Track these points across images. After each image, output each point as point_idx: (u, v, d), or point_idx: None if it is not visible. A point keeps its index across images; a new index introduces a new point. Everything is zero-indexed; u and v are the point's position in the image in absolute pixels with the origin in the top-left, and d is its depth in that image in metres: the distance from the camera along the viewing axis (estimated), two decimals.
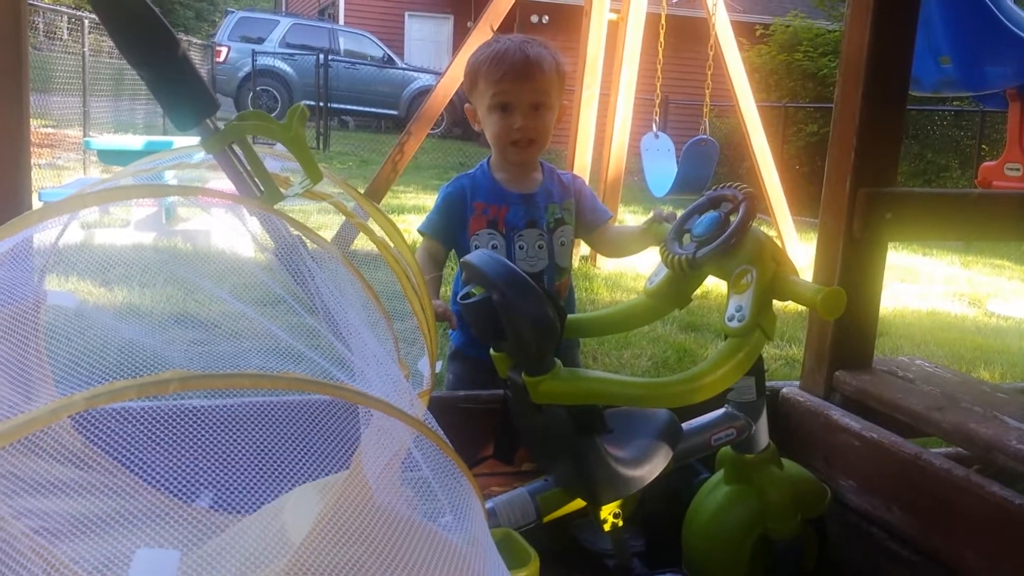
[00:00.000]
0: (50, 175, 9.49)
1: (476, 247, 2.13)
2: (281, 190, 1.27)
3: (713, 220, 1.70)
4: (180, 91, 1.23)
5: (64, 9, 12.65)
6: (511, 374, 1.59)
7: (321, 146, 15.24)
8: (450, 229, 2.18)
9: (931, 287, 7.85)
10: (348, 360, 1.06)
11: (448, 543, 1.03)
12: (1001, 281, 8.51)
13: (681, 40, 10.61)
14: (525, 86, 2.10)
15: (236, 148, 1.26)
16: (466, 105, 2.24)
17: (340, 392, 0.87)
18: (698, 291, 1.81)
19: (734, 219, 1.67)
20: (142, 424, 1.45)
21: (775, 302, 1.64)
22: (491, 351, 1.64)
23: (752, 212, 1.67)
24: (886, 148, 2.19)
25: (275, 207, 1.25)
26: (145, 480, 1.44)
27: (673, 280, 1.78)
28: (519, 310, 1.47)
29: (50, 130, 11.67)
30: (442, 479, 1.07)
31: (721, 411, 1.83)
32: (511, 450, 1.93)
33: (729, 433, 1.80)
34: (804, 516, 1.90)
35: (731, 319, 1.62)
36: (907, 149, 13.22)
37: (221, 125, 1.25)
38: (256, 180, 1.26)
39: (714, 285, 1.68)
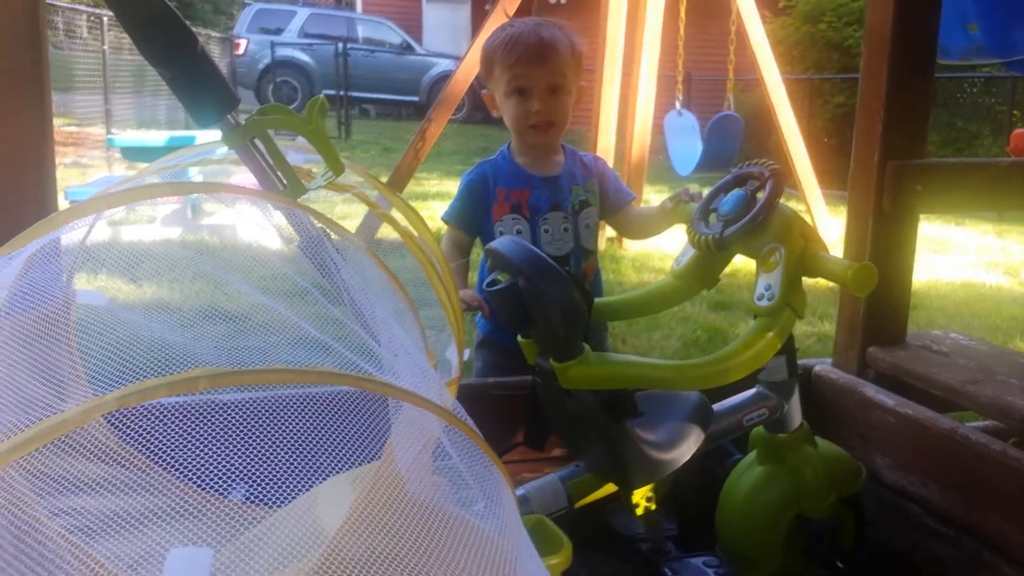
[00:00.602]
0: (75, 173, 9.58)
1: (501, 233, 2.12)
2: (304, 183, 1.27)
3: (739, 198, 1.67)
4: (200, 88, 1.23)
5: (83, 7, 12.72)
6: (539, 360, 1.58)
7: (343, 135, 15.26)
8: (474, 217, 2.17)
9: (964, 258, 7.76)
10: (376, 351, 1.06)
11: (480, 531, 1.03)
12: None
13: (703, 15, 10.49)
14: (541, 69, 2.08)
15: (258, 143, 1.26)
16: (483, 91, 2.23)
17: (368, 384, 0.86)
18: (727, 269, 1.79)
19: (761, 196, 1.65)
20: (174, 420, 1.46)
21: (806, 279, 1.62)
22: (519, 338, 1.63)
23: (779, 189, 1.64)
24: (914, 119, 2.15)
25: (299, 200, 1.25)
26: (178, 476, 1.45)
27: (701, 260, 1.76)
28: (546, 295, 1.46)
29: (73, 128, 11.78)
30: (472, 467, 1.07)
31: (753, 391, 1.81)
32: (541, 436, 1.93)
33: (761, 413, 1.78)
34: (840, 495, 1.88)
35: (760, 298, 1.60)
36: (937, 118, 13.03)
37: (242, 120, 1.25)
38: (279, 174, 1.26)
39: (743, 263, 1.67)
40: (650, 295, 1.86)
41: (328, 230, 1.29)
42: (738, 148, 7.06)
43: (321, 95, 1.31)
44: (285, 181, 1.26)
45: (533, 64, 2.08)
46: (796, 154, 8.11)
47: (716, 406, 1.75)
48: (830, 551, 1.85)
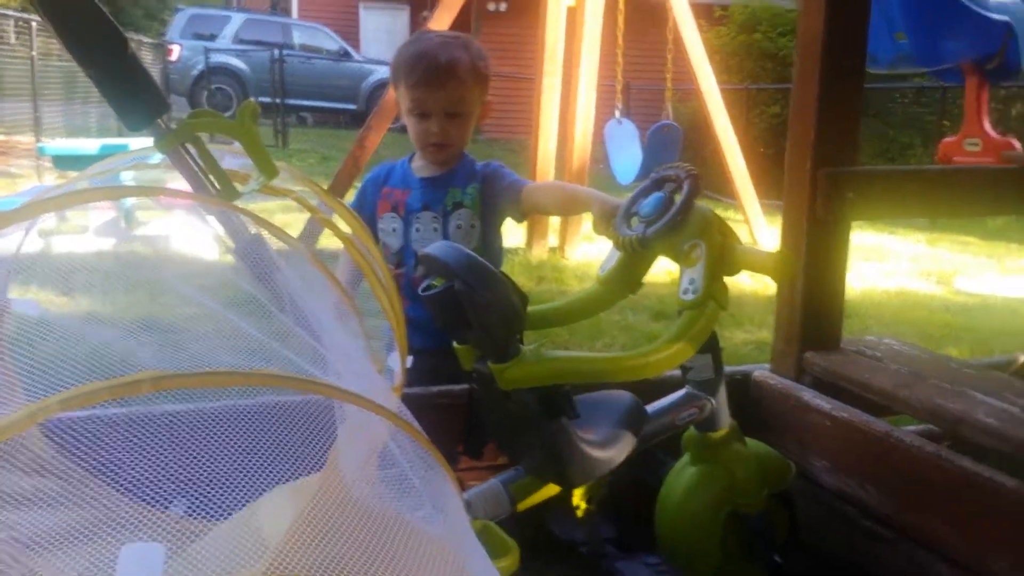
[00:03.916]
0: (3, 184, 9.35)
1: (381, 229, 2.21)
2: (238, 187, 1.26)
3: (659, 200, 1.73)
4: (130, 91, 1.22)
5: (11, 12, 12.42)
6: (477, 365, 1.60)
7: (280, 144, 15.10)
8: (362, 212, 2.21)
9: (898, 266, 7.94)
10: (321, 356, 1.06)
11: (428, 535, 1.03)
12: (967, 258, 8.63)
13: (642, 24, 10.62)
14: (440, 94, 2.12)
15: (190, 147, 1.24)
16: (388, 94, 2.27)
17: (314, 387, 0.86)
18: (665, 279, 1.83)
19: (679, 197, 1.70)
20: (113, 431, 1.43)
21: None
22: (454, 344, 1.64)
23: (696, 189, 1.70)
24: (846, 128, 2.21)
25: (235, 204, 1.24)
26: (118, 488, 1.42)
27: (625, 265, 1.81)
28: (483, 297, 1.48)
29: (2, 137, 11.49)
30: (419, 472, 1.07)
31: (683, 392, 1.86)
32: (480, 444, 1.94)
33: (692, 412, 1.83)
34: (771, 490, 1.93)
35: (685, 292, 1.66)
36: (870, 128, 13.32)
37: (173, 125, 1.24)
38: (211, 178, 1.25)
39: (677, 274, 1.72)
40: (579, 302, 1.90)
41: (268, 234, 1.28)
42: (678, 157, 7.13)
43: (252, 99, 1.30)
44: (218, 185, 1.25)
45: (432, 89, 2.12)
46: (733, 163, 8.24)
47: (649, 407, 1.80)
48: (765, 545, 1.89)
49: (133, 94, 1.22)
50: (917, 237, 9.69)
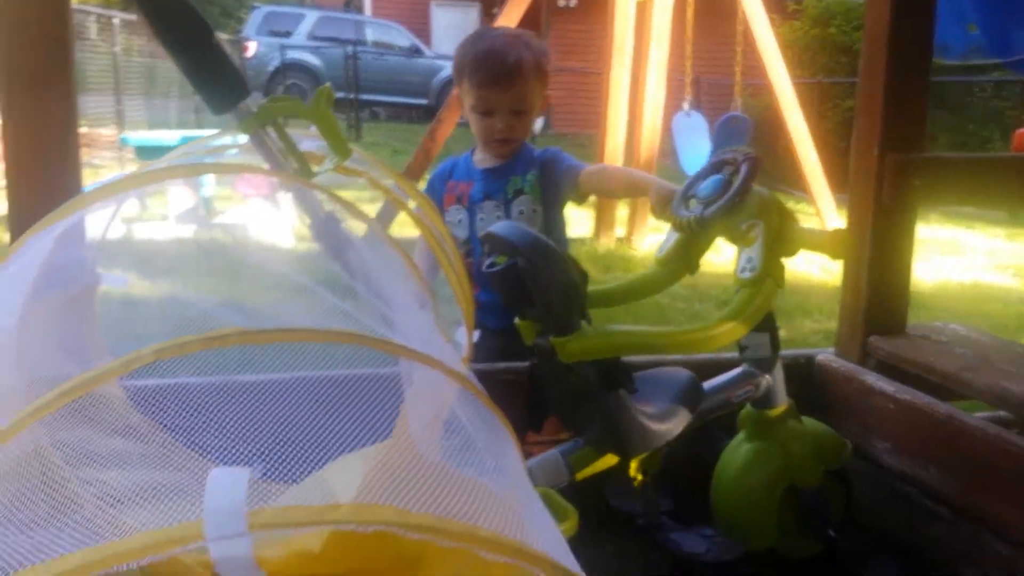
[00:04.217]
0: (88, 174, 9.57)
1: (448, 222, 2.27)
2: (314, 168, 1.33)
3: (717, 182, 1.76)
4: (216, 77, 1.29)
5: (92, 9, 12.79)
6: (538, 340, 1.64)
7: (354, 137, 15.32)
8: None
9: (974, 259, 7.77)
10: (392, 323, 1.11)
11: (493, 493, 1.08)
12: None
13: (712, 18, 10.55)
14: (505, 94, 2.18)
15: (270, 130, 1.32)
16: (455, 91, 2.32)
17: (385, 346, 0.91)
18: (730, 269, 1.86)
19: (737, 180, 1.73)
20: (196, 399, 1.50)
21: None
22: (516, 320, 1.69)
23: (754, 170, 1.72)
24: (913, 115, 2.21)
25: (312, 182, 1.30)
26: (200, 453, 1.50)
27: (682, 245, 1.84)
28: (545, 273, 1.53)
29: (85, 130, 11.83)
30: (483, 435, 1.12)
31: (739, 370, 1.88)
32: (541, 417, 1.99)
33: (748, 390, 1.85)
34: (827, 468, 1.95)
35: (743, 271, 1.69)
36: (947, 121, 13.06)
37: (254, 109, 1.31)
38: (290, 159, 1.32)
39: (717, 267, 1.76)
40: (637, 281, 1.93)
41: (342, 212, 1.34)
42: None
43: (328, 84, 1.37)
44: (295, 165, 1.32)
45: (497, 88, 2.17)
46: (805, 157, 8.15)
47: (706, 384, 1.83)
48: (821, 521, 1.91)
49: (218, 80, 1.29)
50: (995, 232, 9.46)
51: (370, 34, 19.89)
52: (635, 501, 1.81)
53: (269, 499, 1.42)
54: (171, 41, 1.27)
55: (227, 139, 1.43)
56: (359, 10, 22.22)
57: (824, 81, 14.10)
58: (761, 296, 1.68)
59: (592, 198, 2.38)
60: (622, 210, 7.62)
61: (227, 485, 0.65)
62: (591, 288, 1.83)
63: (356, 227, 1.37)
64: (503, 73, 2.16)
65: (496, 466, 1.11)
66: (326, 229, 1.35)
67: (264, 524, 0.64)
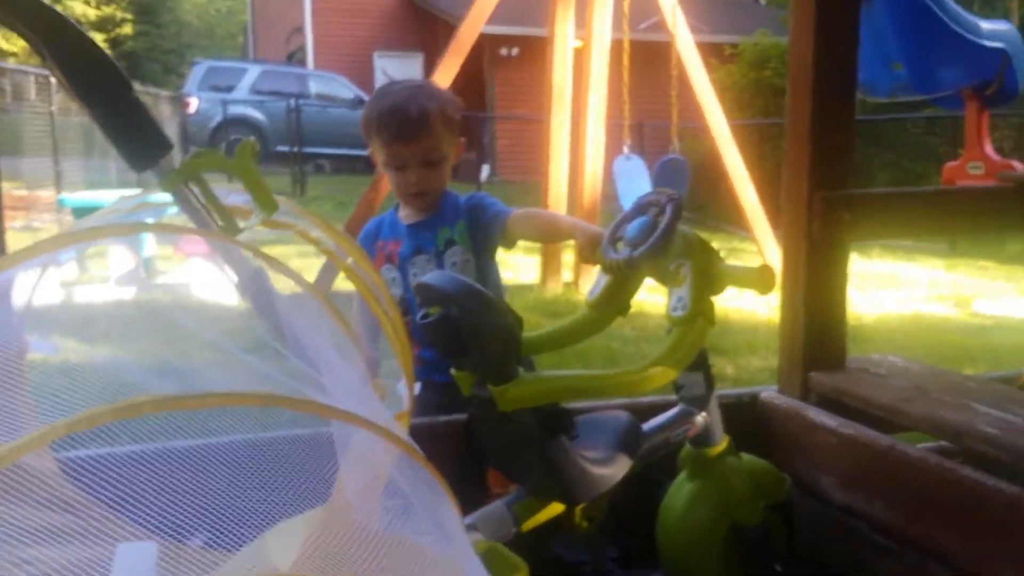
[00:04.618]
0: (26, 238, 9.48)
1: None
2: (241, 223, 1.31)
3: (643, 223, 1.78)
4: (134, 132, 1.27)
5: (31, 69, 12.67)
6: (476, 390, 1.63)
7: (298, 192, 15.26)
8: None
9: (915, 291, 7.92)
10: (320, 384, 1.10)
11: (433, 557, 1.06)
12: (984, 282, 8.61)
13: (651, 64, 10.76)
14: (414, 146, 2.17)
15: (192, 186, 1.30)
16: (369, 149, 2.31)
17: (312, 407, 0.90)
18: (653, 311, 1.87)
19: (662, 221, 1.74)
20: (131, 468, 1.47)
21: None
22: (452, 371, 1.69)
23: (677, 211, 1.74)
24: (840, 152, 2.26)
25: (238, 239, 1.29)
26: (138, 524, 1.46)
27: (612, 288, 1.85)
28: (480, 321, 1.53)
29: (23, 192, 11.67)
30: (423, 496, 1.10)
31: (676, 409, 1.91)
32: (478, 471, 1.97)
33: (686, 428, 1.88)
34: (767, 503, 1.97)
35: (674, 310, 1.71)
36: (884, 158, 13.36)
37: (176, 165, 1.30)
38: (215, 215, 1.30)
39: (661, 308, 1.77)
40: (569, 327, 1.94)
41: (268, 268, 1.32)
42: (686, 189, 7.17)
43: (251, 139, 1.36)
44: (220, 221, 1.30)
45: (405, 142, 2.17)
46: (745, 197, 8.29)
47: (645, 425, 1.85)
48: (765, 557, 1.92)
49: (136, 135, 1.27)
50: (935, 263, 9.66)
51: (313, 87, 19.91)
52: (582, 549, 1.80)
53: (212, 568, 1.39)
54: (86, 94, 1.25)
55: (166, 196, 1.41)
56: (301, 63, 22.26)
57: (762, 123, 14.37)
58: (693, 334, 1.69)
59: (537, 244, 2.37)
60: (567, 255, 7.66)
61: (135, 560, 0.63)
62: (524, 335, 1.83)
63: (287, 283, 1.36)
64: (408, 126, 2.15)
65: (435, 526, 1.09)
66: (254, 286, 1.33)
67: None
